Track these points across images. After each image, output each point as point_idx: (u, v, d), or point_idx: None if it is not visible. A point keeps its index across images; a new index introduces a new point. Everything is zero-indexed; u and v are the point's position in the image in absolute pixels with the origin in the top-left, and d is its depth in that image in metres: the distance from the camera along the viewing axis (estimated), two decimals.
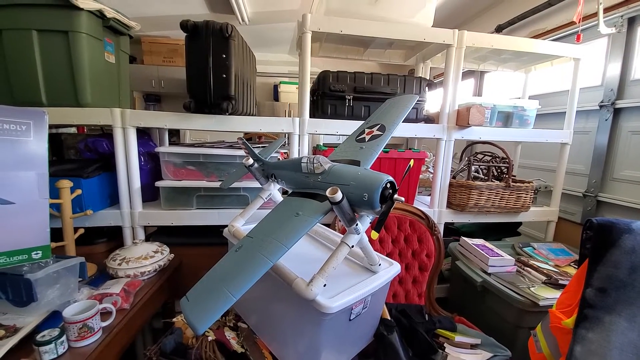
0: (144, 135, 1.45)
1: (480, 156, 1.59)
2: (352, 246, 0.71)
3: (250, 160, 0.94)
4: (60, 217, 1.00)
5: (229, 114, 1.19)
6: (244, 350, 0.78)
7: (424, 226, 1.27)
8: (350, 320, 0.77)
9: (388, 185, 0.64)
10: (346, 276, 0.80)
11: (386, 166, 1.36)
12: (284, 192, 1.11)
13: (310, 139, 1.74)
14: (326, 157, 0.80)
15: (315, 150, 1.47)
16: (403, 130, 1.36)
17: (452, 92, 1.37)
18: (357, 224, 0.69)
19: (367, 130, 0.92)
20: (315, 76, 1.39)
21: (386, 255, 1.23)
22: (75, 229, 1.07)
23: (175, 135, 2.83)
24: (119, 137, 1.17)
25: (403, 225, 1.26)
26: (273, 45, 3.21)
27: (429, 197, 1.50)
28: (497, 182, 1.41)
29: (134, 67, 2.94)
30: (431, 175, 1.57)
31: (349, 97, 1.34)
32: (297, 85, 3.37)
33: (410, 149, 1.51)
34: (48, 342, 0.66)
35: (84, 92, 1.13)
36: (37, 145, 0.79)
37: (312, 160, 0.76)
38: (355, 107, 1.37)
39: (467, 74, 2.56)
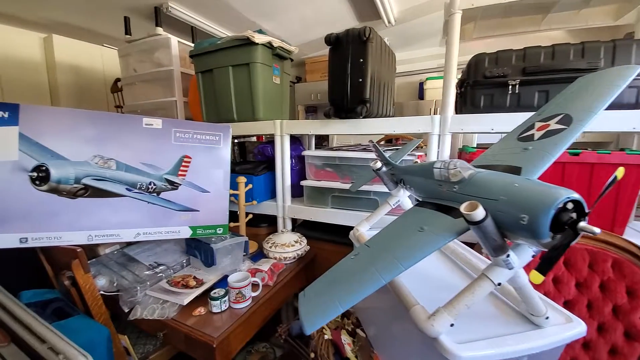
0: (297, 141, 1.70)
1: None
2: (499, 284, 0.53)
3: (379, 164, 0.90)
4: (238, 204, 1.32)
5: (363, 117, 1.19)
6: None
7: None
8: None
9: (569, 205, 0.43)
10: (491, 320, 0.61)
11: (574, 176, 0.95)
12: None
13: (461, 139, 1.49)
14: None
15: (461, 153, 1.24)
16: (608, 121, 0.91)
17: None
18: (507, 255, 0.51)
19: (538, 125, 0.67)
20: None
21: (563, 304, 0.87)
22: (247, 214, 1.39)
23: (325, 140, 3.19)
24: (277, 143, 1.43)
25: (600, 264, 0.85)
26: (419, 41, 3.09)
27: None
28: None
29: (299, 85, 3.54)
30: None
31: (513, 83, 1.03)
32: None
33: (622, 149, 1.00)
34: (217, 299, 0.88)
35: (258, 109, 1.45)
36: (224, 151, 1.07)
37: (447, 166, 0.63)
38: (523, 95, 1.04)
39: None
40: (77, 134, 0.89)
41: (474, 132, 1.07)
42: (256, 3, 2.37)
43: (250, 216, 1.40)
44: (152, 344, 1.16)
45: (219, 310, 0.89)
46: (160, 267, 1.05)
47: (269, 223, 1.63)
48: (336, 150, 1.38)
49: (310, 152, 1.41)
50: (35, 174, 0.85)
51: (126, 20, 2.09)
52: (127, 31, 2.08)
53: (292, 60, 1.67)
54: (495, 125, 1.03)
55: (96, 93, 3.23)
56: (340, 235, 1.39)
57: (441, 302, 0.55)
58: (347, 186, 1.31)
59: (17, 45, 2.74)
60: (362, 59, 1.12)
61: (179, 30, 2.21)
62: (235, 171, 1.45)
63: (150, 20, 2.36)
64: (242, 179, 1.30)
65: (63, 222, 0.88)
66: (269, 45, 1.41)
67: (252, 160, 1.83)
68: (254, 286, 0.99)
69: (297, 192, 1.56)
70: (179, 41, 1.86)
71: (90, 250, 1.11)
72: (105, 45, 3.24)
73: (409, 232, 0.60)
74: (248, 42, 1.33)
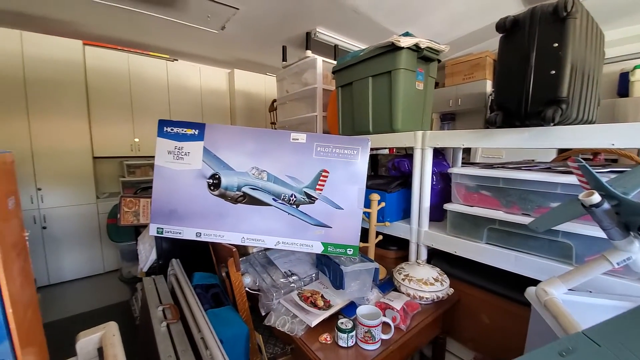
0: (439, 155, 1.45)
1: None
2: None
3: (597, 197, 0.57)
4: (368, 223, 1.22)
5: (555, 124, 0.84)
6: None
7: None
8: None
9: None
10: None
11: None
12: None
13: None
14: None
15: None
16: None
17: None
18: None
19: None
20: None
21: None
22: (377, 234, 1.27)
23: (465, 153, 2.72)
24: (417, 158, 1.24)
25: None
26: (623, 16, 2.18)
27: None
28: None
29: (435, 91, 3.20)
30: None
31: None
32: None
33: None
34: (344, 331, 0.78)
35: (397, 119, 1.31)
36: (361, 166, 0.99)
37: None
38: None
39: None
40: (241, 148, 1.02)
41: None
42: (398, 10, 2.28)
43: (380, 237, 1.27)
44: (280, 347, 1.20)
45: (345, 345, 0.79)
46: (293, 277, 1.08)
47: (399, 247, 1.45)
48: (500, 168, 1.05)
49: (460, 170, 1.14)
50: (211, 180, 1.03)
51: (284, 49, 2.44)
52: (284, 58, 2.43)
53: (439, 61, 1.46)
54: None
55: (258, 113, 4.01)
56: (496, 282, 1.05)
57: None
58: (515, 218, 0.96)
59: (212, 79, 3.80)
60: (557, 42, 0.80)
61: (322, 53, 2.40)
62: (366, 186, 1.36)
63: (301, 47, 2.69)
64: (375, 196, 1.19)
65: (226, 223, 1.03)
66: (415, 48, 1.26)
67: (385, 174, 1.71)
68: (385, 326, 0.84)
69: (436, 215, 1.31)
70: (323, 60, 1.99)
71: (243, 248, 1.28)
72: (267, 73, 3.99)
73: None
74: (391, 49, 1.22)
